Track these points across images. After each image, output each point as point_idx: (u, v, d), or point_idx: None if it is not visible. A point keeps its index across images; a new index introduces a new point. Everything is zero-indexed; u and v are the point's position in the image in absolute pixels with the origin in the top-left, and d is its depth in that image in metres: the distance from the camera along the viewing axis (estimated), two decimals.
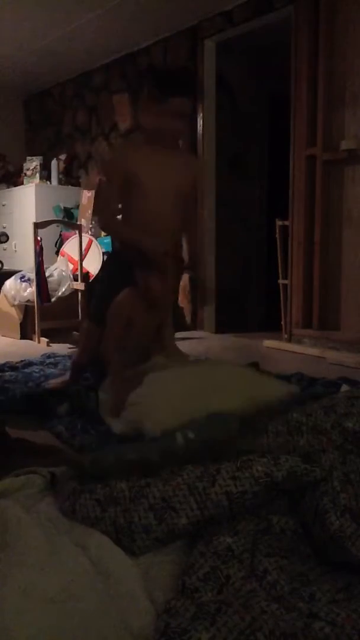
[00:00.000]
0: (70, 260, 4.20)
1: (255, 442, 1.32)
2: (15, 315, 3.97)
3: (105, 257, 4.27)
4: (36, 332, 3.75)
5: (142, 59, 4.65)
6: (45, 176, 5.32)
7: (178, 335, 2.79)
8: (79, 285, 3.84)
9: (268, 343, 3.67)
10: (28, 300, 3.83)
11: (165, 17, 4.06)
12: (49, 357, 2.97)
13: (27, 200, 5.05)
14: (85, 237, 4.24)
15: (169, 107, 1.92)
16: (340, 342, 3.38)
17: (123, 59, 4.82)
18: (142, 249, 1.92)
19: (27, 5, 3.83)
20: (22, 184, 5.34)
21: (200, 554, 0.99)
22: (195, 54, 4.21)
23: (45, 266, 3.78)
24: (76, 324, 3.89)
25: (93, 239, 4.39)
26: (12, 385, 2.29)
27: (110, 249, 4.26)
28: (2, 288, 4.08)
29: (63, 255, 4.34)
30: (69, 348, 3.47)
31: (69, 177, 5.45)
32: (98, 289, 2.32)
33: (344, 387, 2.31)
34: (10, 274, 4.15)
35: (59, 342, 3.67)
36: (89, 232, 4.47)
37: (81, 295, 3.84)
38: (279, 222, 3.76)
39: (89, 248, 4.34)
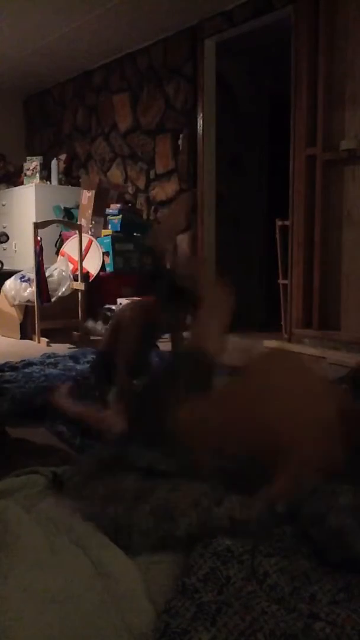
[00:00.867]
0: (70, 260, 4.20)
1: None
2: (15, 315, 3.97)
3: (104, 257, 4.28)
4: (36, 332, 3.75)
5: (142, 59, 4.66)
6: (45, 176, 5.32)
7: None
8: (79, 285, 3.84)
9: (268, 343, 3.67)
10: (28, 300, 3.83)
11: (165, 17, 4.06)
12: (49, 357, 2.97)
13: (27, 200, 5.05)
14: (85, 237, 4.24)
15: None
16: (340, 342, 3.38)
17: (123, 59, 4.82)
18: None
19: (27, 5, 3.83)
20: (22, 184, 5.34)
21: (199, 555, 0.99)
22: (195, 54, 4.21)
23: (45, 266, 3.78)
24: (76, 324, 3.89)
25: (93, 239, 4.39)
26: (13, 389, 2.28)
27: (110, 249, 4.27)
28: (2, 288, 4.08)
29: (63, 255, 4.34)
30: (69, 348, 3.47)
31: (69, 177, 5.45)
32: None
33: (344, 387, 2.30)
34: (10, 274, 4.15)
35: (59, 342, 3.67)
36: (89, 232, 4.47)
37: (81, 295, 3.84)
38: (279, 222, 3.76)
39: (89, 248, 4.34)
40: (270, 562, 0.98)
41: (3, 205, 5.38)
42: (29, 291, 3.80)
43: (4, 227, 5.32)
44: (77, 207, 4.85)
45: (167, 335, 2.45)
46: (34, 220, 4.08)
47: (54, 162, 5.32)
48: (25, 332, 3.94)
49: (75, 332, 3.92)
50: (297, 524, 1.09)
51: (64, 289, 3.87)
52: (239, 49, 4.40)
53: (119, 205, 4.50)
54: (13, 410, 2.03)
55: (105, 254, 4.30)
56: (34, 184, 5.11)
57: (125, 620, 0.86)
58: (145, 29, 4.29)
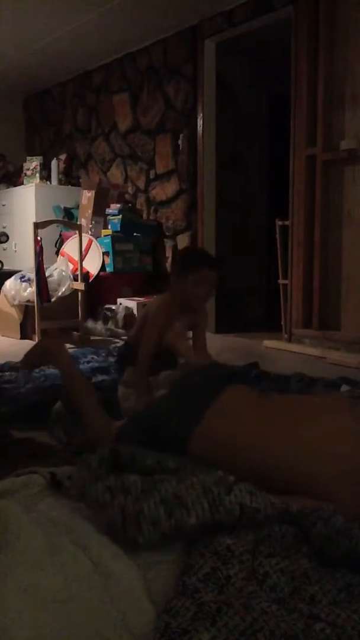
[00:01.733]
0: (70, 260, 4.20)
1: None
2: (15, 315, 3.97)
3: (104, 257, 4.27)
4: (36, 332, 3.75)
5: (142, 59, 4.66)
6: (45, 176, 5.32)
7: None
8: (79, 285, 3.84)
9: (268, 343, 3.67)
10: (28, 300, 3.83)
11: (165, 17, 4.06)
12: None
13: (27, 200, 5.06)
14: (85, 237, 4.24)
15: (197, 278, 2.15)
16: (340, 342, 3.38)
17: (123, 59, 4.82)
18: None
19: (27, 5, 3.83)
20: (22, 184, 5.34)
21: (200, 555, 0.99)
22: (195, 54, 4.21)
23: (45, 266, 3.78)
24: (76, 324, 3.89)
25: (93, 239, 4.39)
26: (14, 388, 2.28)
27: (110, 249, 4.27)
28: (2, 288, 4.08)
29: (63, 255, 4.34)
30: (69, 348, 3.46)
31: (69, 177, 5.45)
32: None
33: (344, 387, 2.31)
34: (10, 274, 4.15)
35: None
36: (89, 232, 4.47)
37: (81, 295, 3.84)
38: (279, 222, 3.76)
39: (89, 248, 4.34)
40: (271, 562, 0.97)
41: (3, 205, 5.38)
42: (29, 291, 3.80)
43: (4, 227, 5.32)
44: (77, 207, 4.85)
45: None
46: (34, 220, 4.07)
47: (54, 162, 5.32)
48: (25, 332, 3.94)
49: (75, 332, 3.92)
50: (298, 524, 1.09)
51: (64, 289, 3.87)
52: (239, 49, 4.40)
53: (119, 205, 4.50)
54: (13, 410, 2.03)
55: (105, 254, 4.30)
56: (34, 184, 5.11)
57: (125, 620, 0.86)
58: (145, 29, 4.29)
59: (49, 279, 3.83)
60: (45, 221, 4.09)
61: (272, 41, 4.05)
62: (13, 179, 5.56)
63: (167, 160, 4.52)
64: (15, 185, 5.43)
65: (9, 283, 4.02)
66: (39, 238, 3.71)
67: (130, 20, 4.09)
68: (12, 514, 1.07)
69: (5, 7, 3.86)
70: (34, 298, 3.70)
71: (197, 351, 2.42)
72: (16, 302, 3.92)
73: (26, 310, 3.91)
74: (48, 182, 5.28)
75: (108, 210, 4.53)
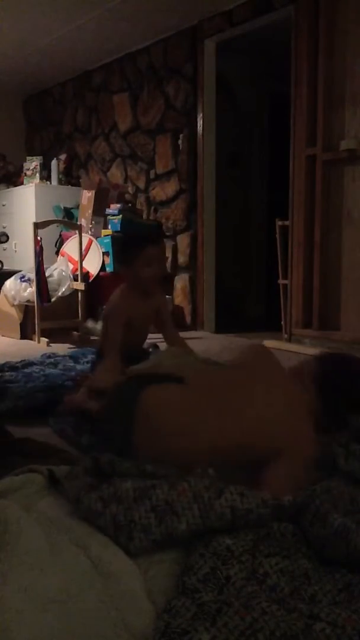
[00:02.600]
0: (70, 260, 4.20)
1: None
2: (15, 315, 3.97)
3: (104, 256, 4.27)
4: (36, 332, 3.75)
5: (142, 59, 4.66)
6: (45, 176, 5.32)
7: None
8: (79, 285, 3.84)
9: (268, 343, 3.67)
10: (28, 300, 3.83)
11: (165, 17, 4.06)
12: (49, 357, 2.97)
13: (27, 200, 5.06)
14: (85, 237, 4.24)
15: (144, 257, 2.22)
16: (340, 342, 3.38)
17: (123, 59, 4.82)
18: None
19: (27, 5, 3.83)
20: (22, 184, 5.34)
21: (199, 555, 0.99)
22: (195, 54, 4.21)
23: (45, 266, 3.78)
24: (76, 324, 3.89)
25: (93, 239, 4.39)
26: (13, 389, 2.28)
27: (110, 249, 4.27)
28: (2, 288, 4.08)
29: (63, 255, 4.34)
30: (69, 348, 3.47)
31: (69, 177, 5.45)
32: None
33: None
34: (10, 274, 4.15)
35: (59, 342, 3.67)
36: (89, 232, 4.47)
37: (81, 295, 3.84)
38: (279, 222, 3.76)
39: (89, 248, 4.33)
40: (271, 562, 0.97)
41: (3, 205, 5.38)
42: (29, 291, 3.80)
43: (4, 227, 5.32)
44: (77, 207, 4.85)
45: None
46: (34, 220, 4.07)
47: (54, 162, 5.32)
48: (25, 332, 3.94)
49: (75, 332, 3.92)
50: (297, 524, 1.09)
51: (64, 289, 3.87)
52: (239, 49, 4.40)
53: (119, 205, 4.50)
54: (13, 410, 2.04)
55: (105, 254, 4.30)
56: (34, 184, 5.11)
57: (125, 620, 0.86)
58: (145, 29, 4.29)
59: (49, 279, 3.83)
60: (45, 221, 4.09)
61: (272, 41, 4.05)
62: (13, 179, 5.56)
63: (167, 160, 4.52)
64: (15, 185, 5.43)
65: (9, 283, 4.02)
66: (39, 238, 3.71)
67: (130, 20, 4.09)
68: (12, 514, 1.07)
69: (5, 7, 3.86)
70: (34, 298, 3.70)
71: (166, 335, 2.45)
72: (16, 302, 3.92)
73: (26, 310, 3.91)
74: (48, 182, 5.29)
75: (108, 210, 4.52)
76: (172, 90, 4.42)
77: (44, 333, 3.73)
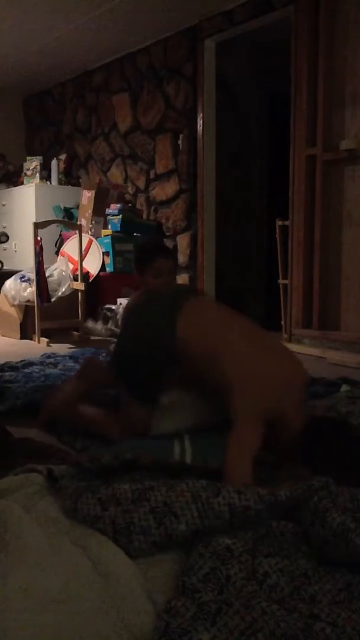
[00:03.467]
0: (70, 260, 4.20)
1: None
2: (15, 315, 3.97)
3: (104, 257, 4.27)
4: (36, 332, 3.75)
5: (142, 59, 4.66)
6: (45, 176, 5.32)
7: None
8: (79, 285, 3.84)
9: None
10: (28, 300, 3.83)
11: (165, 17, 4.06)
12: (49, 357, 2.97)
13: (27, 200, 5.05)
14: (85, 237, 4.24)
15: (154, 268, 2.25)
16: (340, 342, 3.38)
17: (123, 59, 4.82)
18: None
19: (27, 5, 3.83)
20: (22, 184, 5.34)
21: (199, 555, 0.99)
22: (195, 54, 4.21)
23: (45, 266, 3.78)
24: (76, 324, 3.89)
25: (93, 239, 4.39)
26: (13, 389, 2.28)
27: (110, 249, 4.27)
28: (2, 288, 4.08)
29: (63, 255, 4.34)
30: (69, 348, 3.47)
31: (69, 177, 5.45)
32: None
33: (344, 387, 2.31)
34: (10, 274, 4.15)
35: (59, 342, 3.67)
36: (89, 232, 4.47)
37: (81, 295, 3.84)
38: (279, 222, 3.76)
39: (89, 248, 4.34)
40: (271, 562, 0.97)
41: (3, 205, 5.38)
42: (29, 291, 3.80)
43: (4, 227, 5.32)
44: (77, 207, 4.85)
45: None
46: (34, 220, 4.08)
47: (54, 162, 5.32)
48: (25, 332, 3.94)
49: (75, 332, 3.92)
50: (297, 524, 1.09)
51: (64, 289, 3.87)
52: (239, 49, 4.40)
53: (119, 205, 4.50)
54: (13, 410, 2.04)
55: (105, 254, 4.30)
56: (34, 184, 5.11)
57: (125, 620, 0.86)
58: (145, 29, 4.29)
59: (49, 279, 3.83)
60: (45, 221, 4.09)
61: (272, 41, 4.05)
62: (13, 179, 5.56)
63: (167, 160, 4.52)
64: (15, 185, 5.43)
65: (9, 283, 4.02)
66: (39, 238, 3.71)
67: (131, 20, 4.09)
68: (12, 514, 1.07)
69: (5, 7, 3.86)
70: (34, 298, 3.70)
71: None
72: (16, 302, 3.92)
73: (26, 310, 3.91)
74: (48, 182, 5.28)
75: (108, 210, 4.53)
76: (172, 90, 4.42)
77: (44, 333, 3.73)
